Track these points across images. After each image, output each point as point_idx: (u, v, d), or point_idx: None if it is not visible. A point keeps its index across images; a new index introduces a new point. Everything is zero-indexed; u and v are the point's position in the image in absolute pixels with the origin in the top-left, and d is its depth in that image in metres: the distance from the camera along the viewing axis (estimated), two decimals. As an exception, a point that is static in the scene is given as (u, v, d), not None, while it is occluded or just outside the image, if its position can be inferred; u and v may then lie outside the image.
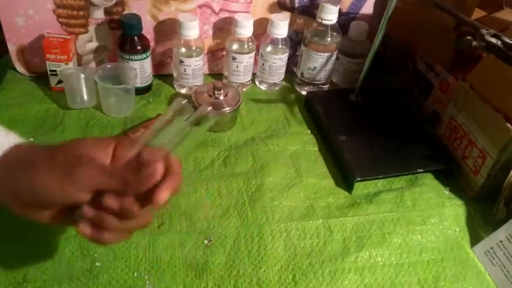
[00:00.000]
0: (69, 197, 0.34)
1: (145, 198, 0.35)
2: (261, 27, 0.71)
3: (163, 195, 0.35)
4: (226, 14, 0.70)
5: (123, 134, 0.61)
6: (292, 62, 0.77)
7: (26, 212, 0.36)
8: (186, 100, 0.39)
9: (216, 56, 0.75)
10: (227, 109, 0.63)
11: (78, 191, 0.34)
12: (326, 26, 0.68)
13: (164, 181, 0.35)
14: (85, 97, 0.64)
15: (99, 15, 0.66)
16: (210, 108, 0.39)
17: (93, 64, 0.71)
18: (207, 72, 0.76)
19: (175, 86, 0.72)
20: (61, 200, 0.34)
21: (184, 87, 0.71)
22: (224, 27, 0.71)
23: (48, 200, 0.34)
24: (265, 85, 0.75)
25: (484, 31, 0.50)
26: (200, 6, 0.68)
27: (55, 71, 0.65)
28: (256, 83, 0.76)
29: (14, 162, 0.35)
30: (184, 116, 0.38)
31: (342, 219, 0.53)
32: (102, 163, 0.35)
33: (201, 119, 0.38)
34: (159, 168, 0.35)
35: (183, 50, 0.67)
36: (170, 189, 0.35)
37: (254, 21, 0.68)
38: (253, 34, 0.68)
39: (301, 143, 0.64)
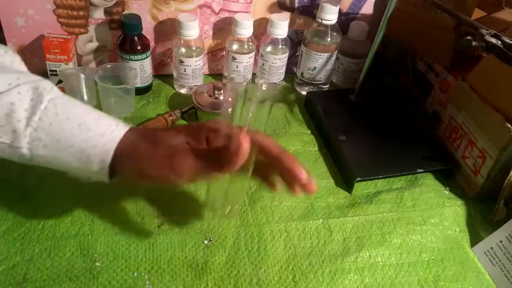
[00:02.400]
0: (172, 182, 0.39)
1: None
2: (261, 27, 0.71)
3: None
4: (226, 14, 0.70)
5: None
6: (292, 62, 0.77)
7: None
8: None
9: (216, 56, 0.75)
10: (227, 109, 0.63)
11: (180, 178, 0.38)
12: (326, 26, 0.68)
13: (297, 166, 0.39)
14: (85, 97, 0.64)
15: (99, 15, 0.66)
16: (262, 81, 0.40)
17: (93, 64, 0.71)
18: (207, 72, 0.76)
19: (175, 86, 0.72)
20: (166, 182, 0.39)
21: (184, 87, 0.71)
22: (224, 27, 0.71)
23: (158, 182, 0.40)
24: (265, 85, 0.75)
25: (484, 31, 0.50)
26: (200, 6, 0.68)
27: (55, 71, 0.65)
28: (256, 83, 0.76)
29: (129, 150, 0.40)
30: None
31: (342, 219, 0.53)
32: (197, 151, 0.39)
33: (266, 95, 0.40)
34: (245, 146, 0.37)
35: (183, 50, 0.67)
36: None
37: (254, 21, 0.68)
38: (253, 34, 0.68)
39: (301, 143, 0.64)
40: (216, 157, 0.37)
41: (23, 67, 0.46)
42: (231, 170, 0.37)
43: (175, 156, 0.38)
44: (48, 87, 0.40)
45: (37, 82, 0.40)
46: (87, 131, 0.39)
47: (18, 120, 0.38)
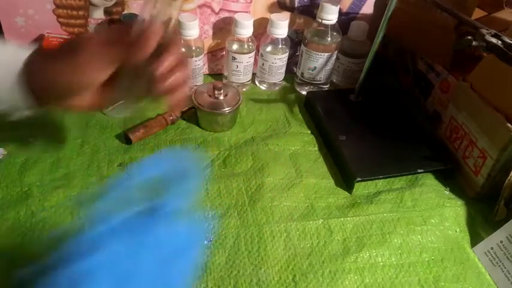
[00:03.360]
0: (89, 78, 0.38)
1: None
2: (261, 27, 0.71)
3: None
4: (226, 14, 0.70)
5: (123, 134, 0.61)
6: (292, 62, 0.77)
7: (67, 103, 0.41)
8: None
9: (216, 56, 0.75)
10: (227, 109, 0.63)
11: (96, 67, 0.38)
12: (326, 26, 0.68)
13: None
14: (85, 97, 0.64)
15: (98, 15, 0.66)
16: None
17: (93, 64, 0.71)
18: (207, 72, 0.76)
19: (175, 86, 0.72)
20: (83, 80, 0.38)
21: (184, 87, 0.71)
22: (224, 27, 0.71)
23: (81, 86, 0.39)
24: (265, 85, 0.75)
25: (484, 31, 0.49)
26: (200, 6, 0.68)
27: (55, 71, 0.65)
28: (256, 83, 0.76)
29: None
30: None
31: (342, 219, 0.53)
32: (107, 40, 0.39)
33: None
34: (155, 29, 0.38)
35: (183, 50, 0.67)
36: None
37: (254, 21, 0.68)
38: (253, 34, 0.68)
39: (301, 143, 0.64)
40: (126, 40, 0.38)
41: None
42: (143, 53, 0.37)
43: (88, 44, 0.38)
44: None
45: None
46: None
47: None
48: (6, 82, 0.39)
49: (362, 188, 0.58)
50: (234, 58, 0.69)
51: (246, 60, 0.70)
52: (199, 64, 0.69)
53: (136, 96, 0.43)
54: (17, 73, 0.39)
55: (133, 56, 0.38)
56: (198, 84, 0.71)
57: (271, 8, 0.71)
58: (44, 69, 0.39)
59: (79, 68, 0.38)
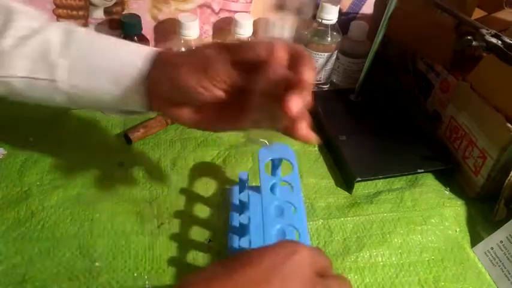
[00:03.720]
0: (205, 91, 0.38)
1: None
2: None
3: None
4: (226, 14, 0.70)
5: (123, 134, 0.61)
6: (292, 62, 0.77)
7: (175, 112, 0.41)
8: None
9: (216, 56, 0.75)
10: (227, 109, 0.63)
11: (213, 84, 0.38)
12: (326, 26, 0.68)
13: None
14: (85, 97, 0.64)
15: (98, 15, 0.66)
16: None
17: (93, 64, 0.71)
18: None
19: (175, 86, 0.72)
20: (200, 92, 0.38)
21: (184, 87, 0.71)
22: (224, 27, 0.71)
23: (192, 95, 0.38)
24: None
25: (484, 31, 0.50)
26: (200, 6, 0.68)
27: (55, 71, 0.65)
28: (256, 83, 0.76)
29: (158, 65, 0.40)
30: None
31: (342, 219, 0.53)
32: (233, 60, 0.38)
33: None
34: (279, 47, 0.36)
35: (183, 50, 0.67)
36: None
37: (254, 21, 0.68)
38: (253, 34, 0.68)
39: (301, 143, 0.64)
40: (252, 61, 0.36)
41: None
42: (268, 78, 0.35)
43: (211, 61, 0.37)
44: (74, 25, 0.43)
45: (64, 23, 0.43)
46: (122, 46, 0.42)
47: (54, 53, 0.40)
48: (127, 80, 0.40)
49: (362, 188, 0.58)
50: (234, 58, 0.69)
51: (246, 60, 0.69)
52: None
53: (264, 123, 0.42)
54: (140, 69, 0.39)
55: (261, 74, 0.35)
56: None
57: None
58: (174, 66, 0.39)
59: (203, 72, 0.37)
